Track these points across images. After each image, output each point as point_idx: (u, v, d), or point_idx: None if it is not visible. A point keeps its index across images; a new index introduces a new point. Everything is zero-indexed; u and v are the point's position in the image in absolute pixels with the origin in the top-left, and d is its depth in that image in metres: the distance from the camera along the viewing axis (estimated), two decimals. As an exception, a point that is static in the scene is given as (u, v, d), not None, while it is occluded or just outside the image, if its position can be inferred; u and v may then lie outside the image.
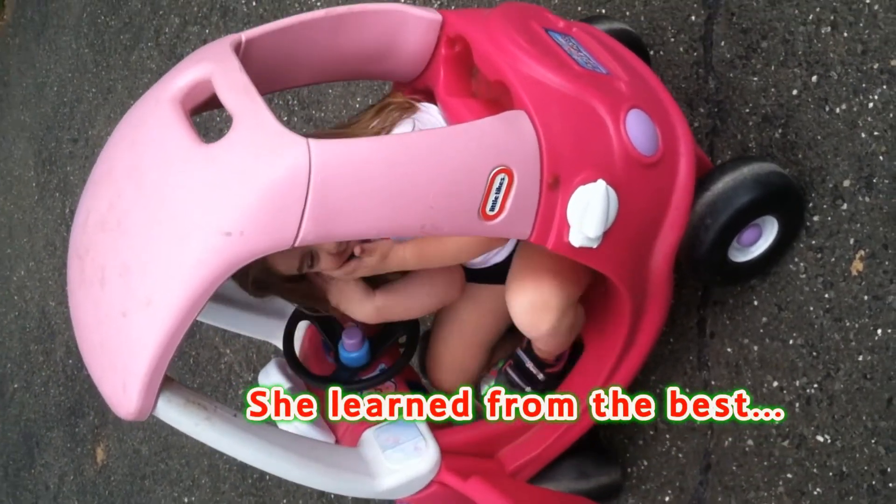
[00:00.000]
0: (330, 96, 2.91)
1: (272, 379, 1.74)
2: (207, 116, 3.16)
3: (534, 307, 1.59)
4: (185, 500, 3.44)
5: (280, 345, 1.78)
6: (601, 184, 1.45)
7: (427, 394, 1.83)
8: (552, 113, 1.44)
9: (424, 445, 1.62)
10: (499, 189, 1.37)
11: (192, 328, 1.28)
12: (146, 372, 1.28)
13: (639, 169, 1.53)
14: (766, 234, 1.77)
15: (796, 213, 1.77)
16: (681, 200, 1.61)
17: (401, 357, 1.72)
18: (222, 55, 1.40)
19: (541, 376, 1.85)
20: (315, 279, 1.66)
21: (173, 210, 1.25)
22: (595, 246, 1.48)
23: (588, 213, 1.44)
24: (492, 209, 1.38)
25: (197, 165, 1.26)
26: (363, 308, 1.65)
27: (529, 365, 1.86)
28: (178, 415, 1.37)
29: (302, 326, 1.81)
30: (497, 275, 1.73)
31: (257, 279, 1.55)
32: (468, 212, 1.37)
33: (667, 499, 2.02)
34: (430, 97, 1.69)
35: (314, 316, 1.77)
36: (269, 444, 1.45)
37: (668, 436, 2.02)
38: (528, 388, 1.85)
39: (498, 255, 1.74)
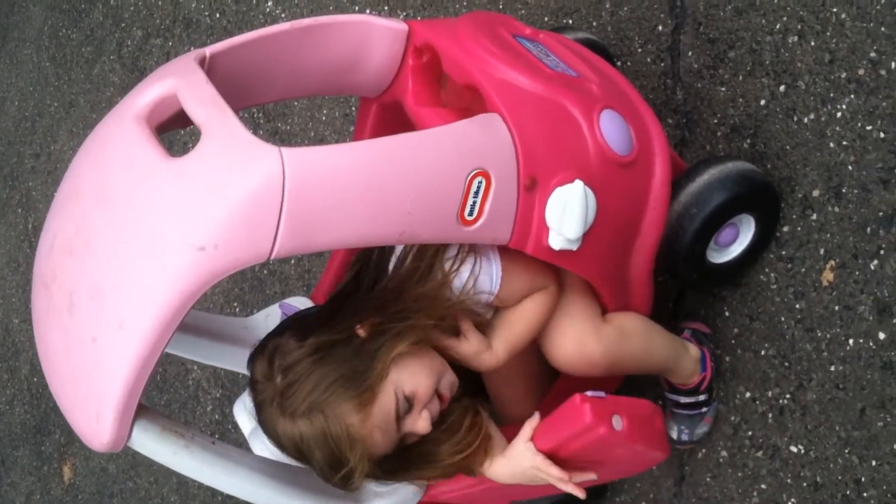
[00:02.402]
0: (296, 109, 2.88)
1: (249, 407, 1.69)
2: (171, 135, 3.13)
3: (575, 346, 1.57)
4: (154, 518, 3.40)
5: None
6: (579, 184, 1.44)
7: None
8: (525, 115, 1.43)
9: None
10: (476, 193, 1.36)
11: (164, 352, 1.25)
12: (120, 398, 1.23)
13: (615, 168, 1.52)
14: (742, 235, 1.76)
15: (773, 214, 1.77)
16: (658, 200, 1.60)
17: None
18: (187, 69, 1.38)
19: (702, 396, 1.83)
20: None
21: (143, 227, 1.22)
22: (575, 248, 1.46)
23: (567, 214, 1.43)
24: (470, 214, 1.36)
25: (166, 180, 1.23)
26: (490, 360, 1.55)
27: (684, 399, 1.84)
28: (154, 444, 1.32)
29: None
30: None
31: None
32: (447, 217, 1.35)
33: (641, 511, 2.01)
34: (398, 111, 1.67)
35: None
36: (251, 472, 1.41)
37: (641, 448, 2.01)
38: (704, 409, 1.85)
39: None
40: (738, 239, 1.77)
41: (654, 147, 1.62)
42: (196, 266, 1.18)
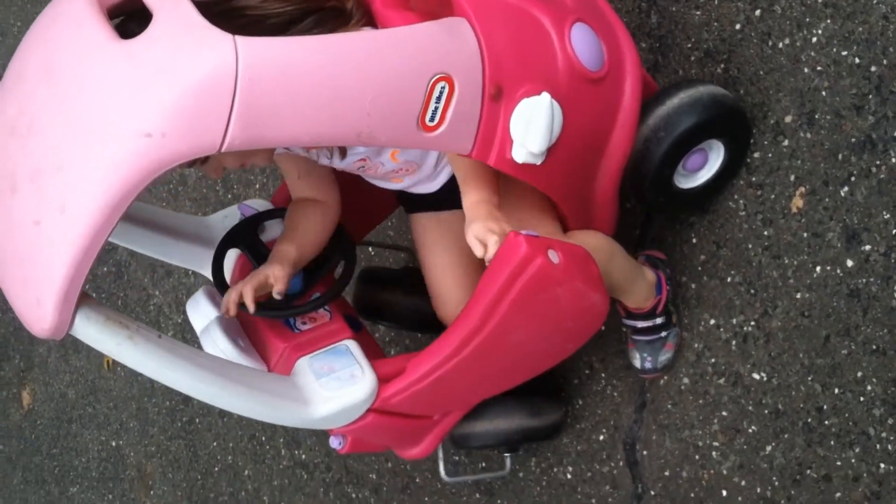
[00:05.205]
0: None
1: (201, 309, 1.67)
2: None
3: None
4: (113, 443, 3.38)
5: (208, 274, 1.72)
6: (545, 97, 1.40)
7: (361, 327, 1.78)
8: (494, 22, 1.39)
9: (361, 373, 1.58)
10: (439, 98, 1.32)
11: (108, 241, 1.21)
12: (62, 284, 1.20)
13: (584, 84, 1.49)
14: (711, 161, 1.74)
15: (743, 141, 1.75)
16: (627, 119, 1.57)
17: (336, 283, 1.67)
18: None
19: (659, 320, 1.82)
20: None
21: (89, 110, 1.17)
22: (538, 163, 1.43)
23: (532, 127, 1.39)
24: (431, 119, 1.32)
25: (114, 62, 1.18)
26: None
27: (641, 323, 1.83)
28: (97, 333, 1.29)
29: (231, 255, 1.75)
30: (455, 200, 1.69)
31: None
32: (407, 121, 1.31)
33: (601, 437, 2.00)
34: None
35: (244, 244, 1.72)
36: (196, 368, 1.38)
37: (603, 375, 2.00)
38: (664, 334, 1.83)
39: (441, 177, 1.68)
40: (706, 165, 1.75)
41: (626, 64, 1.58)
42: (142, 154, 1.14)
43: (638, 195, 1.74)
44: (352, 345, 1.63)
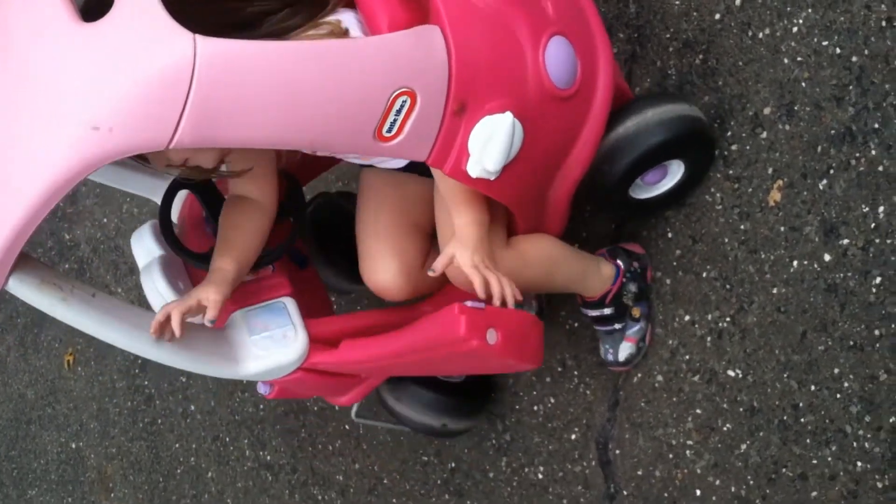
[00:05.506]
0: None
1: (145, 244, 1.66)
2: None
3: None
4: (73, 445, 3.30)
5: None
6: (508, 116, 1.37)
7: (307, 263, 1.77)
8: (469, 32, 1.35)
9: (293, 335, 1.57)
10: (399, 111, 1.29)
11: (53, 212, 1.27)
12: None
13: (551, 102, 1.46)
14: (671, 175, 1.71)
15: (704, 159, 1.72)
16: (590, 136, 1.55)
17: (285, 241, 1.64)
18: None
19: (608, 310, 1.79)
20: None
21: (43, 92, 1.17)
22: (493, 178, 1.41)
23: (490, 145, 1.37)
24: (389, 131, 1.30)
25: (72, 46, 1.16)
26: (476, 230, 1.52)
27: (591, 312, 1.80)
28: (32, 294, 1.34)
29: (183, 193, 1.72)
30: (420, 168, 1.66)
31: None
32: (363, 132, 1.29)
33: (573, 437, 1.96)
34: None
35: (194, 186, 1.66)
36: (127, 325, 1.40)
37: (576, 372, 1.96)
38: (618, 326, 1.81)
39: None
40: (666, 177, 1.71)
41: (599, 80, 1.55)
42: (87, 146, 1.14)
43: (595, 205, 1.72)
44: (289, 303, 1.62)
